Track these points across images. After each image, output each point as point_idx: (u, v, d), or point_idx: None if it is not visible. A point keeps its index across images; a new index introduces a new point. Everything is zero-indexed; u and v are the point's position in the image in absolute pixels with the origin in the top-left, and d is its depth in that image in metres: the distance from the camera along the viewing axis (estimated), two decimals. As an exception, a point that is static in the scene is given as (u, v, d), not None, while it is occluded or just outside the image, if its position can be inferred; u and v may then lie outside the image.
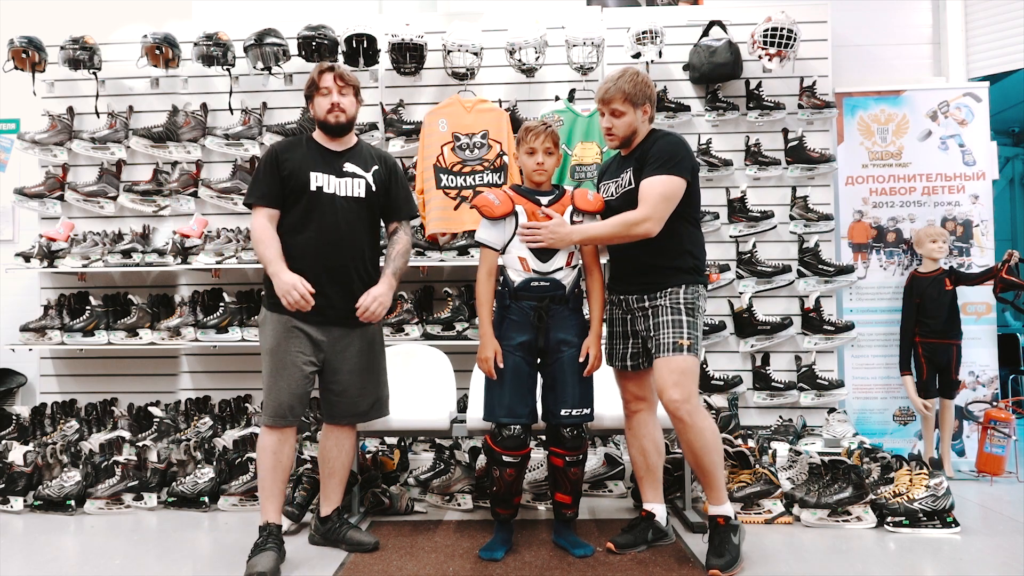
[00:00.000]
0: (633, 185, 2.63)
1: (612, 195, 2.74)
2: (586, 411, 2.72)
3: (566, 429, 2.70)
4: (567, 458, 2.71)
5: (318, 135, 2.84)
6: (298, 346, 2.69)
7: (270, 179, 2.72)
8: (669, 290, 2.60)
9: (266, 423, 2.70)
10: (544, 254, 2.68)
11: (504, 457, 2.66)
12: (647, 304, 2.64)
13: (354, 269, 2.76)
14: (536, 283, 2.68)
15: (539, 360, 2.77)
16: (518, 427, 2.66)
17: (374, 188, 2.81)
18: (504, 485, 2.70)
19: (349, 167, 2.79)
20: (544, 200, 2.72)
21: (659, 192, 2.54)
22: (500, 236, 2.71)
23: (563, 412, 2.69)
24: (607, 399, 3.33)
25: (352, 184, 2.78)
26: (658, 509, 2.80)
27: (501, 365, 2.67)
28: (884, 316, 4.26)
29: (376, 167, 2.84)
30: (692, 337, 2.56)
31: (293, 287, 2.58)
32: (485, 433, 2.79)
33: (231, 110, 4.26)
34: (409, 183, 4.10)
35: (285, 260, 2.69)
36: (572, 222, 2.71)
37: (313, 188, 2.72)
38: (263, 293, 2.81)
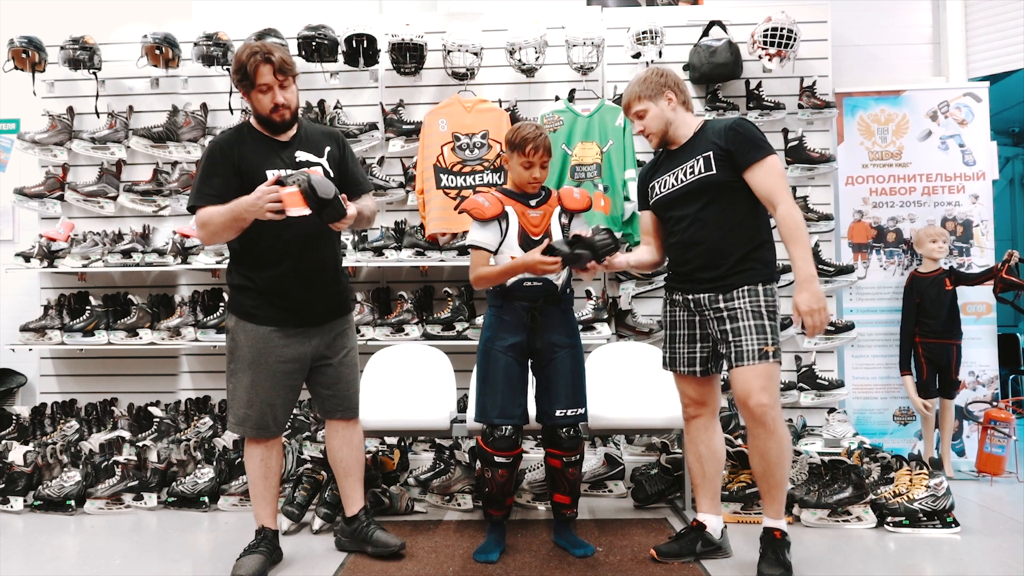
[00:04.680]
0: (715, 171, 2.50)
1: (675, 184, 2.59)
2: (580, 411, 2.72)
3: (562, 430, 2.70)
4: (564, 459, 2.71)
5: (258, 125, 2.60)
6: (281, 356, 2.57)
7: (223, 176, 2.48)
8: (746, 289, 2.49)
9: (250, 436, 2.61)
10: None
11: (496, 458, 2.66)
12: (722, 305, 2.51)
13: (327, 265, 2.64)
14: (529, 283, 2.67)
15: (531, 361, 2.77)
16: (510, 428, 2.66)
17: (331, 173, 2.61)
18: (496, 486, 2.70)
19: (302, 155, 2.58)
20: (532, 202, 2.72)
21: (779, 173, 2.47)
22: (493, 237, 2.69)
23: (557, 412, 2.69)
24: (606, 400, 3.33)
25: None
26: (711, 520, 2.68)
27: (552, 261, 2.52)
28: (884, 316, 4.27)
29: (328, 148, 2.65)
30: (775, 342, 2.47)
31: (260, 196, 2.30)
32: (478, 434, 2.79)
33: (231, 110, 4.26)
34: (409, 183, 4.15)
35: (254, 268, 2.55)
36: (560, 224, 2.72)
37: None
38: (231, 298, 2.64)
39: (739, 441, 3.35)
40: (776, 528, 2.53)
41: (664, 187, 2.66)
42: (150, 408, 4.01)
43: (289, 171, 2.44)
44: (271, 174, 2.49)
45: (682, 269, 2.64)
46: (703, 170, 2.54)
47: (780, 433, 2.48)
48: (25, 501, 3.46)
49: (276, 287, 2.56)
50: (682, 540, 2.70)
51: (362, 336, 3.83)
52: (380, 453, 3.57)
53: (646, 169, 2.82)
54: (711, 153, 2.53)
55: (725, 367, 2.60)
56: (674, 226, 2.65)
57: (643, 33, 4.03)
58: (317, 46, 4.03)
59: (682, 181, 2.59)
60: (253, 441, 2.63)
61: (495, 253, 2.71)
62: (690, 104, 2.67)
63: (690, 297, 2.61)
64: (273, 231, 2.47)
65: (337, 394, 2.74)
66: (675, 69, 4.22)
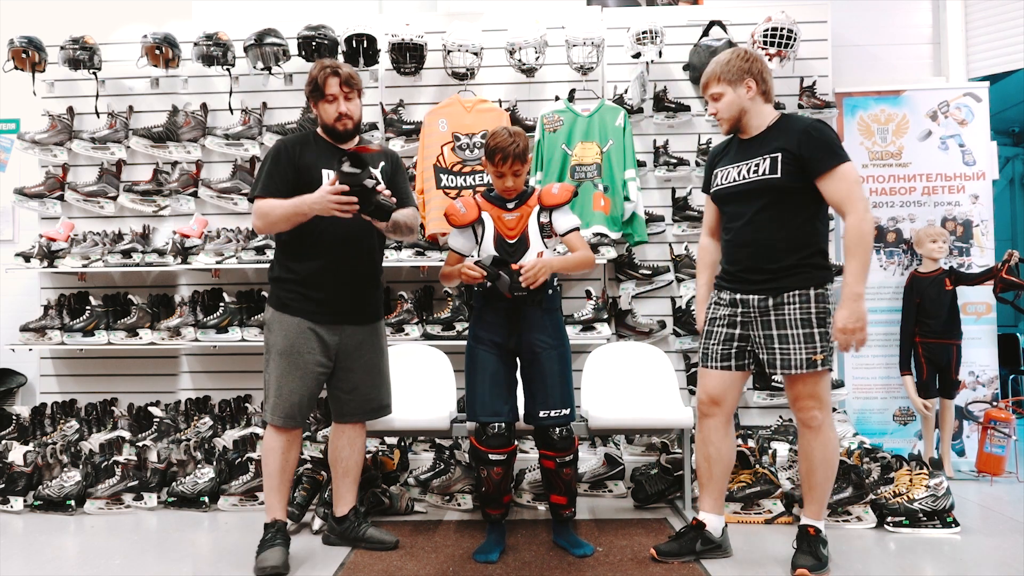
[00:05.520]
0: (779, 175, 2.45)
1: (736, 179, 2.56)
2: (565, 412, 2.71)
3: (554, 431, 2.70)
4: (558, 460, 2.72)
5: (324, 133, 2.82)
6: (311, 348, 2.70)
7: (284, 173, 2.66)
8: (797, 293, 2.46)
9: (275, 424, 2.69)
10: (513, 256, 2.67)
11: (490, 456, 2.67)
12: (770, 307, 2.49)
13: (365, 267, 2.81)
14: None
15: (519, 361, 2.77)
16: (501, 425, 2.67)
17: (383, 185, 2.77)
18: (492, 484, 2.71)
19: None
20: (509, 205, 2.73)
21: (853, 181, 2.40)
22: (468, 243, 2.77)
23: (542, 414, 2.70)
24: (606, 400, 3.33)
25: None
26: (712, 520, 2.69)
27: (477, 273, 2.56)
28: (884, 316, 4.26)
29: (383, 163, 2.83)
30: (824, 349, 2.45)
31: (325, 195, 2.46)
32: (471, 434, 2.79)
33: (231, 110, 4.26)
34: (409, 183, 4.15)
35: (298, 261, 2.70)
36: (539, 222, 2.71)
37: None
38: (270, 292, 2.79)
39: (739, 441, 3.35)
40: (811, 525, 2.57)
41: (726, 179, 2.62)
42: (150, 408, 4.01)
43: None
44: (327, 174, 2.66)
45: (732, 268, 2.62)
46: (767, 172, 2.48)
47: (826, 436, 2.50)
48: (25, 501, 3.46)
49: (315, 279, 2.70)
50: (682, 539, 2.70)
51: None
52: (380, 453, 3.57)
53: (715, 151, 2.76)
54: (779, 156, 2.46)
55: (765, 371, 2.58)
56: (728, 222, 2.63)
57: (643, 33, 4.03)
58: (317, 46, 4.03)
59: (744, 178, 2.55)
60: (277, 431, 2.70)
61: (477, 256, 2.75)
62: (771, 95, 2.59)
63: (738, 297, 2.57)
64: (320, 226, 2.63)
65: (356, 399, 2.83)
66: (675, 69, 4.24)
